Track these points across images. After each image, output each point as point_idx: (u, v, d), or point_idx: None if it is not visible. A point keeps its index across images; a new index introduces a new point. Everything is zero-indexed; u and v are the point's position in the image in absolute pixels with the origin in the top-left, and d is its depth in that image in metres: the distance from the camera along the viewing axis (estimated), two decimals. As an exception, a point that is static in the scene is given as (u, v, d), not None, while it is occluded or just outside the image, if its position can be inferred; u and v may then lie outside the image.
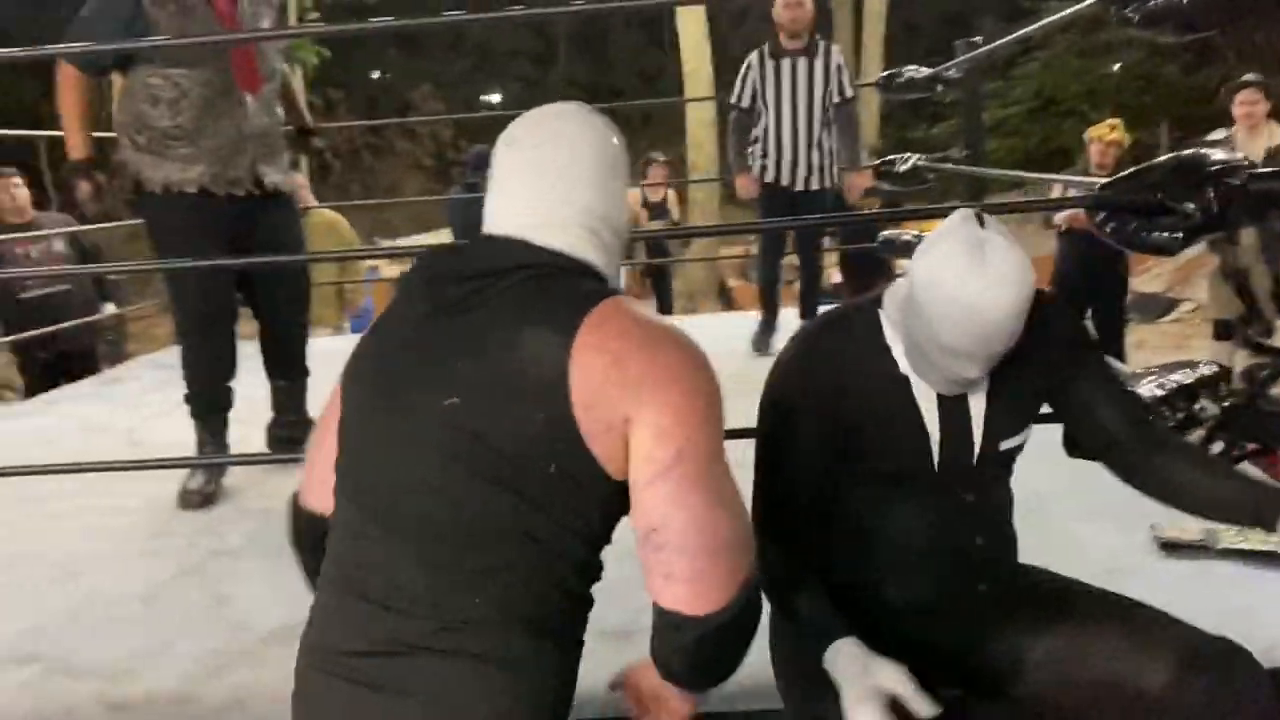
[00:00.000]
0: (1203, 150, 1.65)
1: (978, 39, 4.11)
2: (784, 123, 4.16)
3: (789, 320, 4.36)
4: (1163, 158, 1.65)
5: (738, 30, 14.82)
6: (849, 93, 4.20)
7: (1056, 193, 4.74)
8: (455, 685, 1.03)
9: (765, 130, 4.20)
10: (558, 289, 1.07)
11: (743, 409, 1.33)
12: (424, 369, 1.08)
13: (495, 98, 23.47)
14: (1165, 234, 1.59)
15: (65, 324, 4.60)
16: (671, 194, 7.78)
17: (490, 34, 21.50)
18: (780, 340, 4.10)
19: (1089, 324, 5.49)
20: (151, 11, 2.56)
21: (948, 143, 10.31)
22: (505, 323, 1.05)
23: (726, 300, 10.62)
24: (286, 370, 3.07)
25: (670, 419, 1.01)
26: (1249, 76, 5.09)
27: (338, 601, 1.11)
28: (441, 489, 1.04)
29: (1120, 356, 5.38)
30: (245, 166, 2.73)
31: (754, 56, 4.25)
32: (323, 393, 1.27)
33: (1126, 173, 1.66)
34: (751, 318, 4.56)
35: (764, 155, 4.23)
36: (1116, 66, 14.13)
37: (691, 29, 10.03)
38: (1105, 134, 5.24)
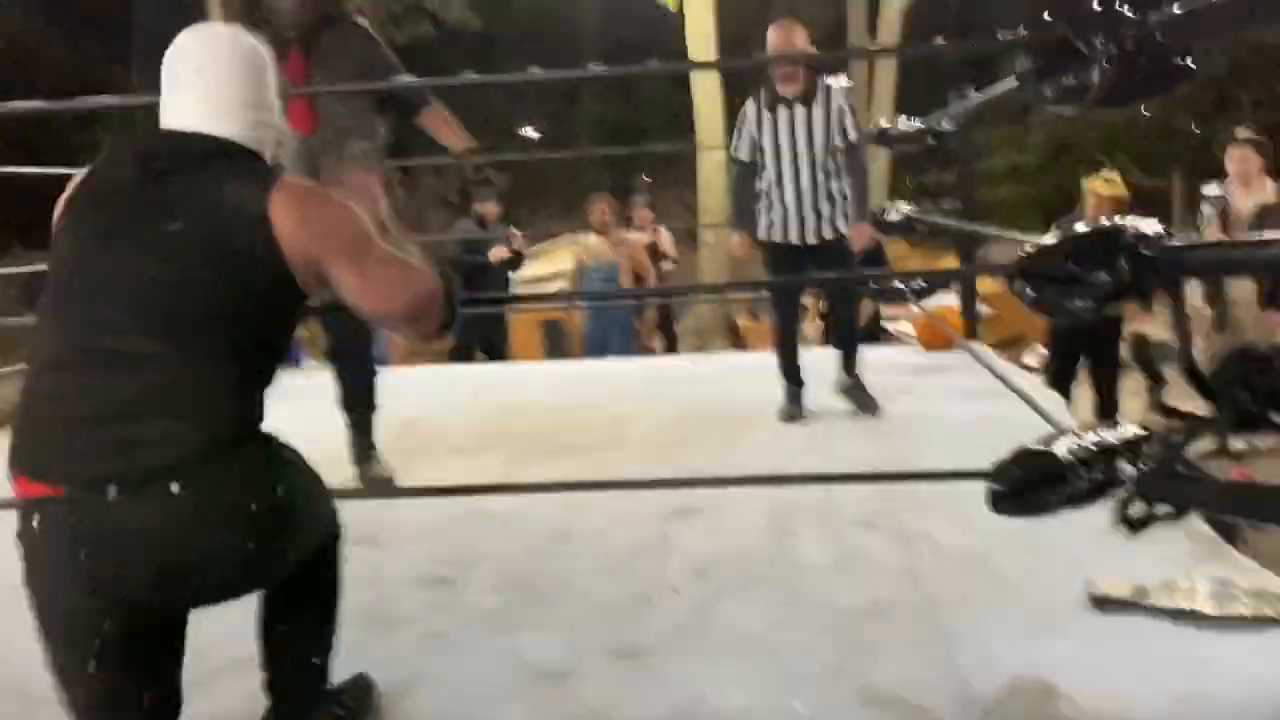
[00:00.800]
0: (1121, 221, 1.72)
1: (971, 90, 4.18)
2: (785, 176, 3.96)
3: (813, 362, 4.20)
4: (1081, 227, 1.72)
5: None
6: (853, 136, 3.97)
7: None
8: None
9: (768, 184, 4.01)
10: (242, 166, 1.55)
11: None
12: (136, 219, 1.48)
13: (529, 131, 23.65)
14: (1078, 302, 1.66)
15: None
16: (665, 234, 7.83)
17: (513, 71, 21.69)
18: (811, 405, 4.07)
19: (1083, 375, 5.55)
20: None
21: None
22: (207, 187, 1.50)
23: (736, 339, 10.68)
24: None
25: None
26: (1240, 132, 5.14)
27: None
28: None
29: (1113, 407, 5.40)
30: None
31: (749, 106, 4.06)
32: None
33: (1046, 241, 1.73)
34: (763, 360, 4.46)
35: (769, 210, 4.03)
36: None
37: (702, 76, 10.17)
38: (1101, 188, 5.30)
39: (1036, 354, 7.47)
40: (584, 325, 7.58)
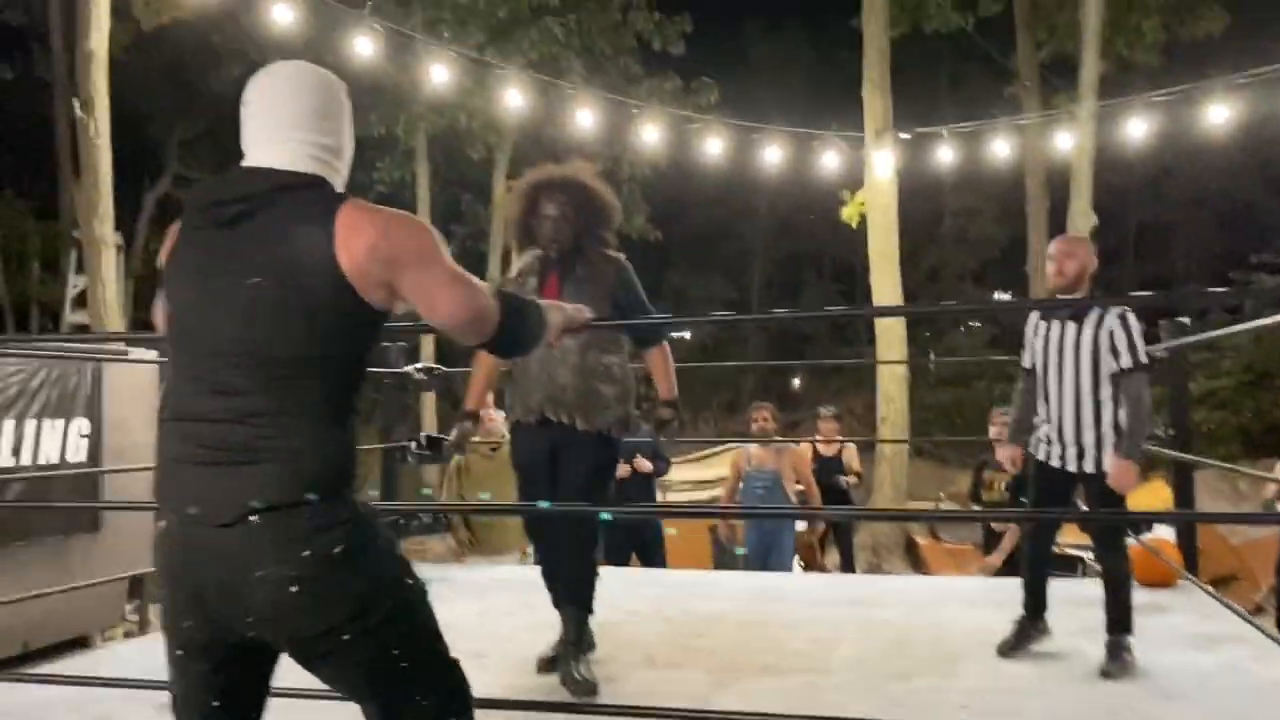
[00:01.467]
0: None
1: (1184, 319, 4.00)
2: (1051, 392, 3.64)
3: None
4: None
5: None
6: (1125, 362, 3.52)
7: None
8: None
9: (1040, 398, 3.71)
10: (304, 199, 1.57)
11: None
12: (218, 273, 1.56)
13: (686, 335, 24.26)
14: None
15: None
16: (851, 449, 7.72)
17: (686, 279, 22.63)
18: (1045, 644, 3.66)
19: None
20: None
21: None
22: (279, 223, 1.54)
23: (914, 559, 10.26)
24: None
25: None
26: None
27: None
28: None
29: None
30: (538, 403, 3.28)
31: (1035, 313, 3.83)
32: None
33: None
34: (942, 582, 4.24)
35: (1043, 431, 3.69)
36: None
37: (886, 286, 10.25)
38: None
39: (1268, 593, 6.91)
40: (745, 535, 7.35)
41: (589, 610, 3.31)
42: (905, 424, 10.33)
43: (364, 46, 8.69)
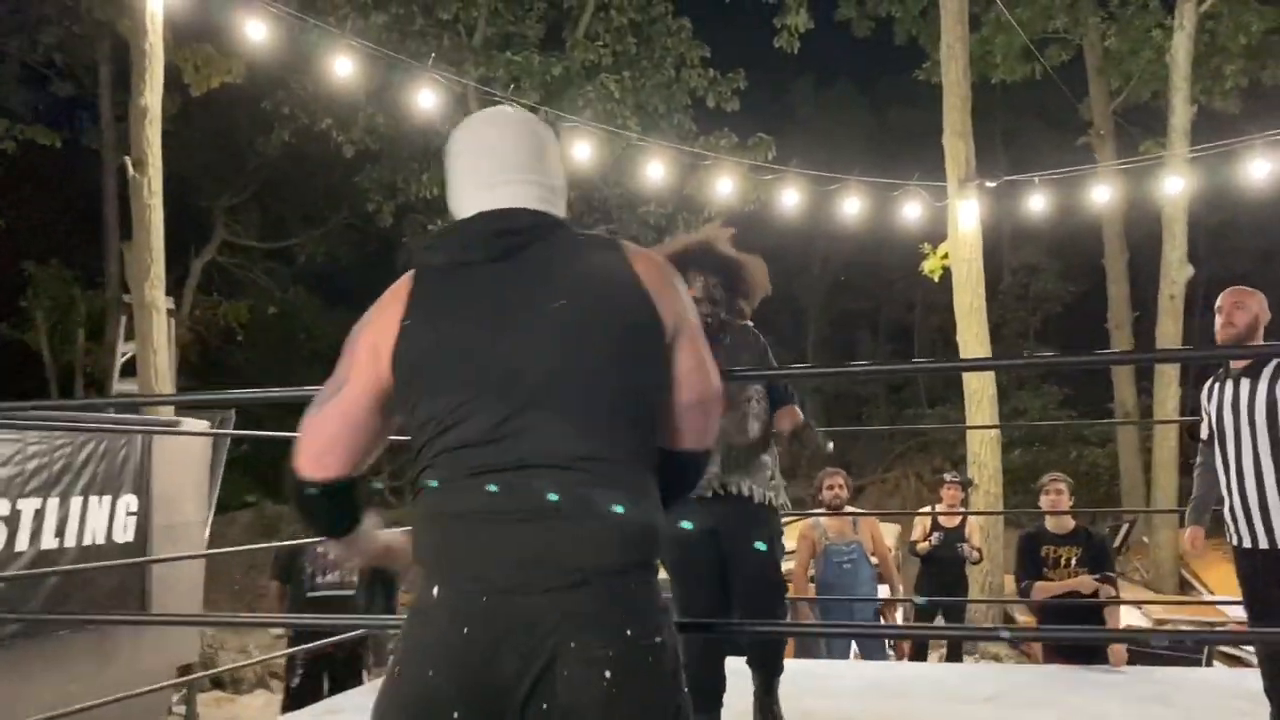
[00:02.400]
0: None
1: None
2: (1230, 464, 3.26)
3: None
4: None
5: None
6: None
7: None
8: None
9: (1222, 472, 3.33)
10: (574, 234, 1.47)
11: None
12: (513, 298, 1.38)
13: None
14: None
15: (347, 627, 4.37)
16: (974, 521, 7.11)
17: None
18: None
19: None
20: None
21: None
22: (563, 251, 1.43)
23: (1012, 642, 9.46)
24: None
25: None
26: None
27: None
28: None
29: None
30: (712, 474, 3.09)
31: (1210, 379, 3.48)
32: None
33: None
34: (1077, 674, 3.63)
35: (1229, 508, 3.29)
36: None
37: (974, 341, 9.57)
38: None
39: None
40: (822, 616, 6.63)
41: (780, 668, 3.32)
42: (999, 491, 9.62)
43: (426, 100, 8.28)
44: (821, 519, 6.15)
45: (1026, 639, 7.14)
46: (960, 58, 9.82)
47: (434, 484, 1.35)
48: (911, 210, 9.57)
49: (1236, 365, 3.30)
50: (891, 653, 6.59)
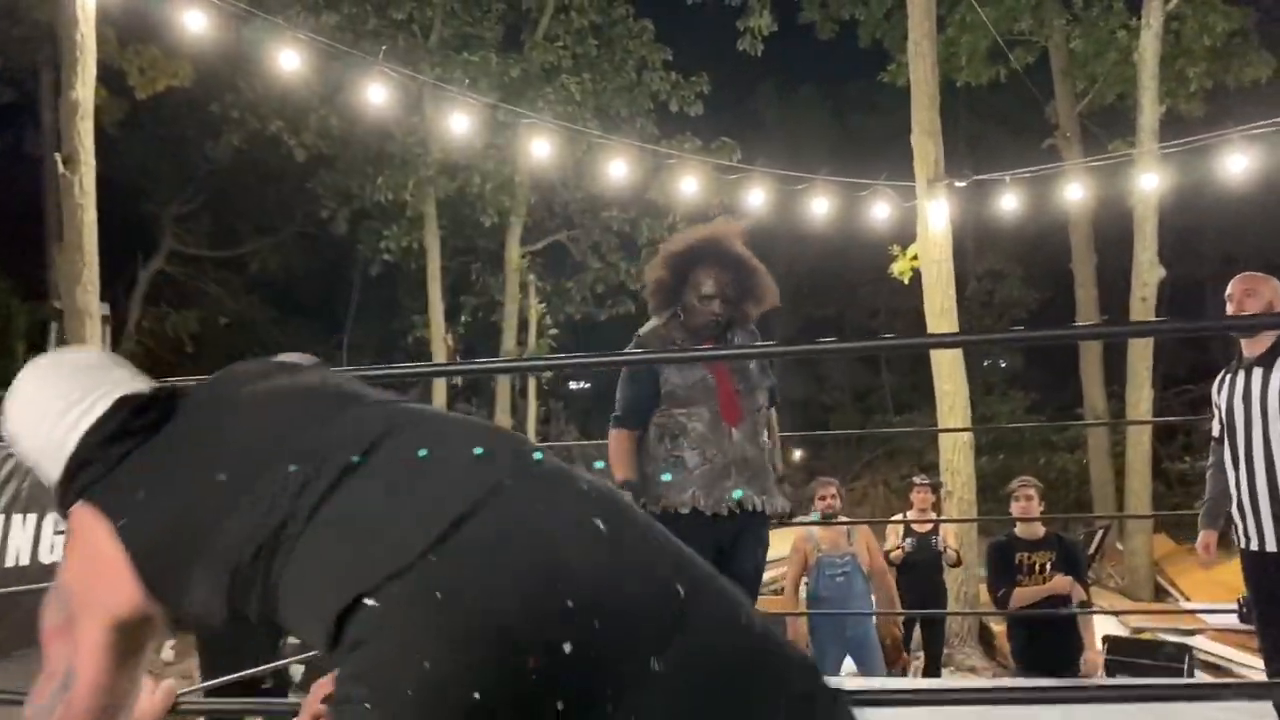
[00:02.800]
0: None
1: None
2: (1239, 459, 3.06)
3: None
4: None
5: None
6: None
7: None
8: None
9: (1230, 469, 3.14)
10: None
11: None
12: None
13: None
14: None
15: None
16: (947, 526, 6.87)
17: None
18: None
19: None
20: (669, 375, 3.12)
21: None
22: None
23: (988, 647, 9.22)
24: None
25: None
26: None
27: None
28: None
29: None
30: (727, 489, 3.06)
31: (1222, 372, 3.28)
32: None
33: None
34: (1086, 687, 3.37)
35: (1237, 505, 3.09)
36: None
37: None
38: None
39: None
40: (817, 635, 6.35)
41: None
42: (973, 498, 9.38)
43: (378, 96, 7.91)
44: (815, 530, 5.92)
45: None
46: (928, 55, 9.60)
47: None
48: (880, 211, 9.33)
49: (1249, 354, 3.11)
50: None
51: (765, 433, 3.18)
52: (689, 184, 9.18)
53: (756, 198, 9.22)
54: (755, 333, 3.32)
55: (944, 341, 8.73)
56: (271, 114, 13.03)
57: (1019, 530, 5.30)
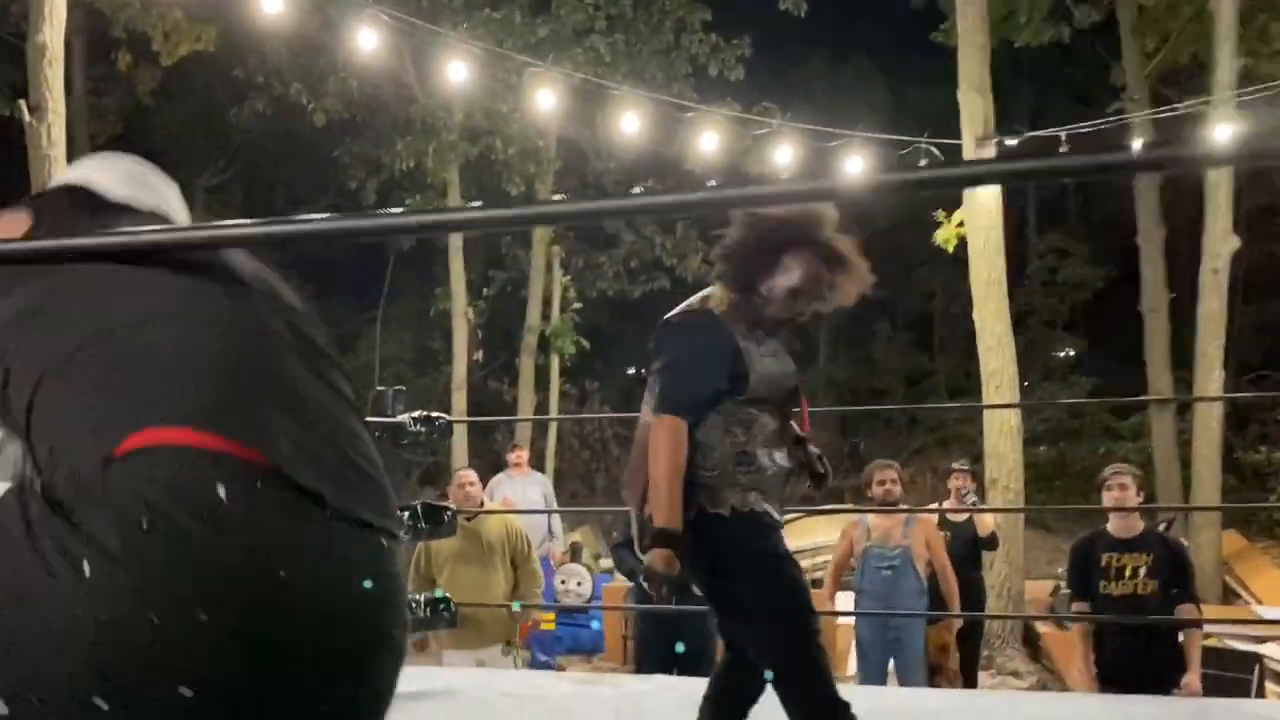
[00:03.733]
0: None
1: None
2: None
3: None
4: None
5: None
6: None
7: None
8: None
9: None
10: None
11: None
12: None
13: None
14: None
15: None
16: (986, 516, 6.17)
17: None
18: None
19: None
20: (750, 356, 2.62)
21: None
22: None
23: (1033, 650, 8.44)
24: None
25: None
26: None
27: None
28: None
29: None
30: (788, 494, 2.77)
31: None
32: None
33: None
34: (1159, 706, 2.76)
35: None
36: None
37: (992, 319, 8.45)
38: None
39: None
40: (859, 632, 5.78)
41: None
42: (1020, 488, 8.59)
43: (368, 40, 7.37)
44: (868, 516, 5.54)
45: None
46: (977, 6, 8.79)
47: None
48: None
49: None
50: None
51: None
52: (721, 145, 8.48)
53: (784, 154, 8.51)
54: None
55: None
56: (293, 77, 12.59)
57: (1111, 526, 4.50)
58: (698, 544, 2.56)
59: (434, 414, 4.57)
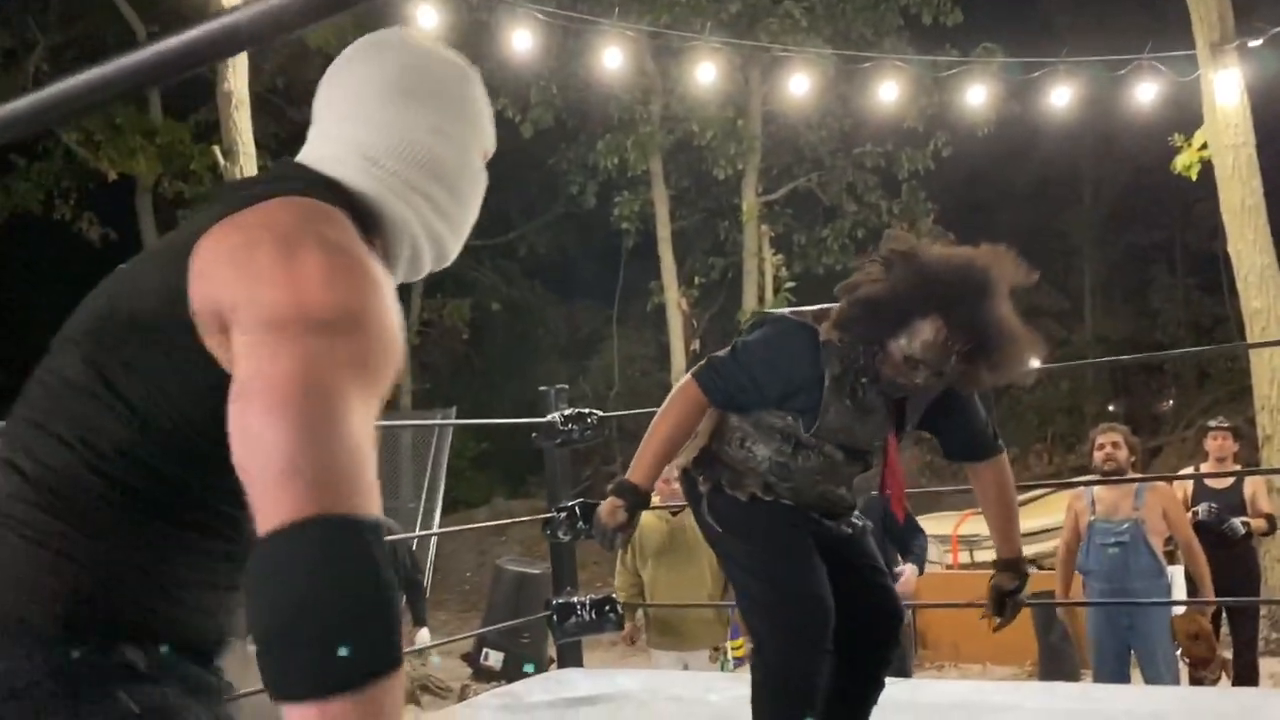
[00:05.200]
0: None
1: None
2: None
3: None
4: None
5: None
6: None
7: None
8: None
9: None
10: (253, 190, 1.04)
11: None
12: None
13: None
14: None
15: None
16: (1258, 482, 5.26)
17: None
18: None
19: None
20: (829, 397, 2.27)
21: None
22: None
23: None
24: None
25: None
26: None
27: None
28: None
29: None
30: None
31: None
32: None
33: None
34: None
35: None
36: None
37: (1249, 250, 7.19)
38: None
39: None
40: (1089, 624, 5.12)
41: None
42: (1298, 440, 7.34)
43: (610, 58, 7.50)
44: (1094, 488, 4.91)
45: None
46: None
47: None
48: (1146, 92, 7.49)
49: None
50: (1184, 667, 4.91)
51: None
52: (888, 89, 7.83)
53: (977, 94, 7.73)
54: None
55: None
56: (498, 92, 12.97)
57: None
58: (709, 517, 2.44)
59: (587, 410, 4.46)
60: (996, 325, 2.11)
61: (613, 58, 7.74)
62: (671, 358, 12.44)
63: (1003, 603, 2.40)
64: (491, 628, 7.32)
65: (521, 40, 7.29)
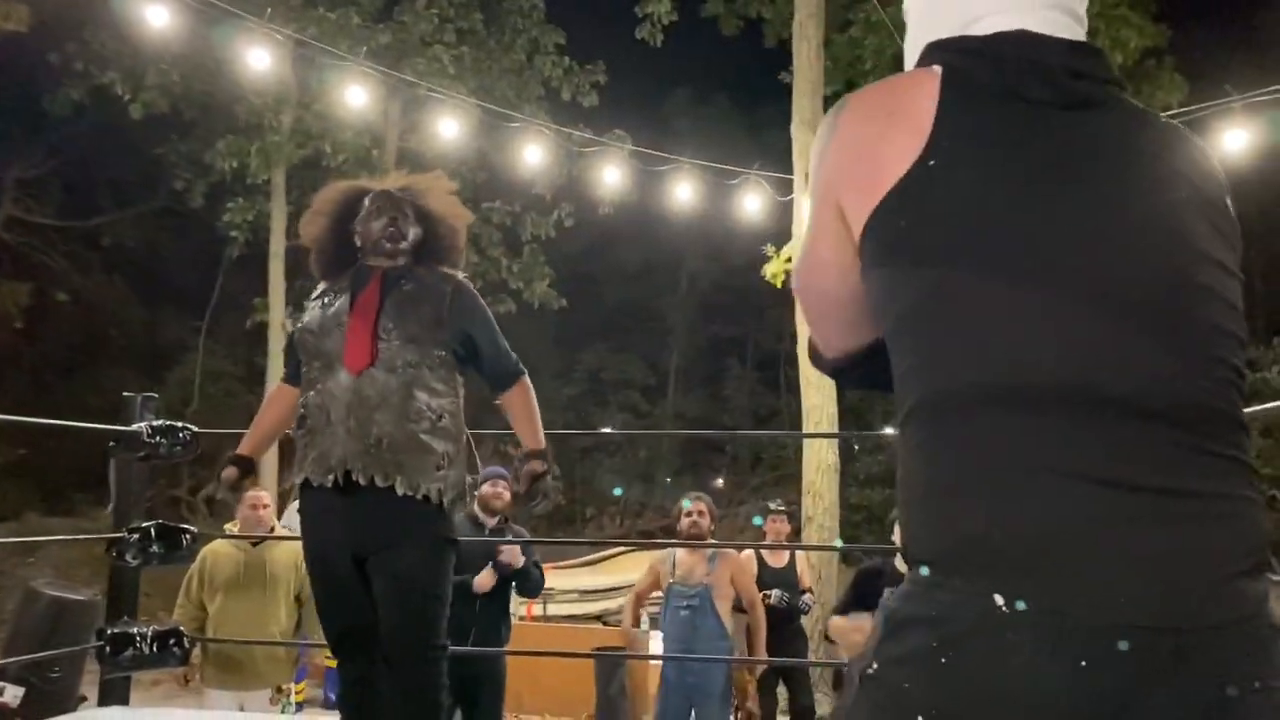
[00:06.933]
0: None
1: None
2: None
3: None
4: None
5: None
6: None
7: None
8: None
9: None
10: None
11: None
12: (1104, 165, 0.95)
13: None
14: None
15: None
16: (804, 558, 5.95)
17: (604, 361, 20.84)
18: None
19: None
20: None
21: None
22: (1139, 119, 1.01)
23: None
24: None
25: None
26: None
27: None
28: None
29: None
30: (337, 458, 2.47)
31: None
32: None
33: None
34: None
35: None
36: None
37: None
38: None
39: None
40: (663, 674, 5.47)
41: None
42: (836, 526, 8.46)
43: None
44: (677, 551, 5.27)
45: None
46: (813, 38, 8.78)
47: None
48: (751, 203, 8.41)
49: None
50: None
51: (430, 396, 2.56)
52: (532, 152, 8.13)
53: (611, 174, 8.26)
54: (449, 275, 2.70)
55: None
56: (114, 66, 11.77)
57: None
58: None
59: (180, 424, 4.06)
60: (421, 189, 2.78)
61: (254, 58, 7.28)
62: (267, 381, 11.76)
63: (534, 484, 2.68)
64: (13, 660, 6.36)
65: (156, 15, 6.63)
